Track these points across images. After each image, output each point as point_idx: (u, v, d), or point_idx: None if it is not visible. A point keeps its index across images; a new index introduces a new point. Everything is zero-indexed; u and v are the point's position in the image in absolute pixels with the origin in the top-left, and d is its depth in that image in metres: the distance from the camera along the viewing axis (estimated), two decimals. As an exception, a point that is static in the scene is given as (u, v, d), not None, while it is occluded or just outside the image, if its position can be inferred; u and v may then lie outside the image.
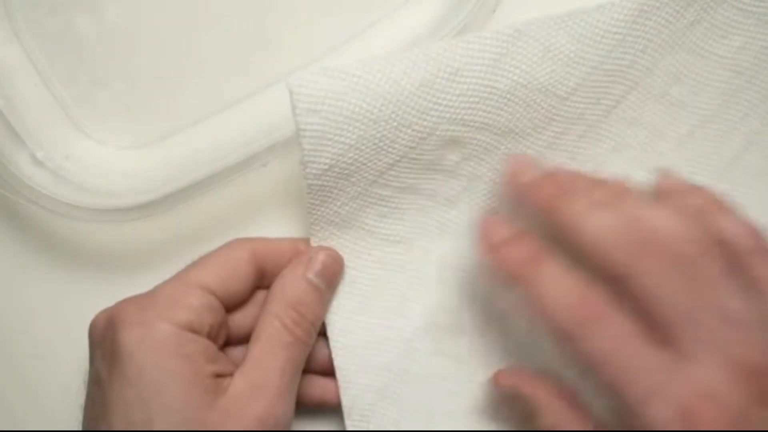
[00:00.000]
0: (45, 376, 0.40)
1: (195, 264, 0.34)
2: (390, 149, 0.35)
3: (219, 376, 0.32)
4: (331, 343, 0.36)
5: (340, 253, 0.36)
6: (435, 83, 0.34)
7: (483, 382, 0.37)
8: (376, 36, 0.38)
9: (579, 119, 0.37)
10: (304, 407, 0.35)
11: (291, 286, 0.34)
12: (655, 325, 0.30)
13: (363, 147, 0.34)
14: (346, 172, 0.34)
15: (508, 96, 0.35)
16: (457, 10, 0.36)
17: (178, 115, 0.38)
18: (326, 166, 0.34)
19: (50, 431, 0.39)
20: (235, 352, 0.35)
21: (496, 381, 0.35)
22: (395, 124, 0.34)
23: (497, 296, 0.37)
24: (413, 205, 0.37)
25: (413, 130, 0.34)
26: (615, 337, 0.30)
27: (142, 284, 0.39)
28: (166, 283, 0.34)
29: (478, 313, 0.37)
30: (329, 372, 0.36)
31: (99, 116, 0.39)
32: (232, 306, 0.34)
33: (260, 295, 0.35)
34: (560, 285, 0.31)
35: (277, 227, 0.39)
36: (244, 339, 0.35)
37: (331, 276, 0.36)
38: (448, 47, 0.34)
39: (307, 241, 0.36)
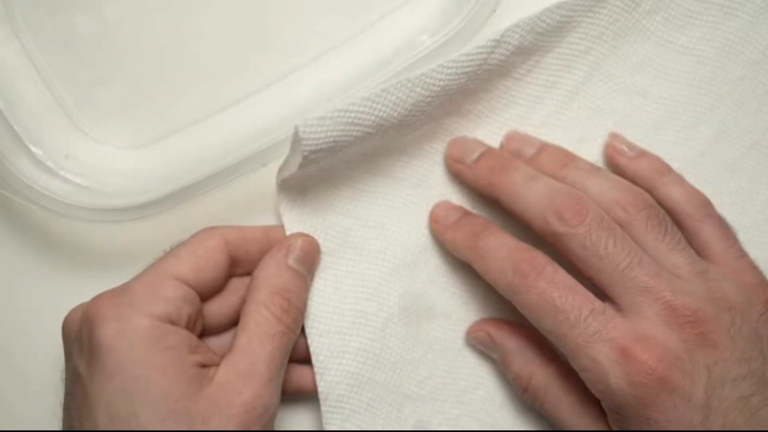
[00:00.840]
0: (45, 376, 0.40)
1: (169, 255, 0.34)
2: (365, 142, 0.35)
3: (202, 365, 0.32)
4: (307, 329, 0.36)
5: (320, 237, 0.37)
6: (410, 99, 0.34)
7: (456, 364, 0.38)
8: (376, 36, 0.38)
9: (538, 103, 0.38)
10: (285, 396, 0.35)
11: (275, 274, 0.34)
12: (593, 282, 0.33)
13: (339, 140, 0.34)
14: (315, 158, 0.34)
15: (473, 79, 0.36)
16: (457, 10, 0.36)
17: (177, 115, 0.38)
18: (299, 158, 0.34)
19: (50, 431, 0.39)
20: (213, 341, 0.35)
21: (469, 333, 0.38)
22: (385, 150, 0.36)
23: (466, 278, 0.38)
24: (384, 188, 0.37)
25: (408, 156, 0.37)
26: (555, 288, 0.32)
27: (142, 284, 0.39)
28: (140, 275, 0.33)
29: (451, 296, 0.38)
30: (307, 360, 0.36)
31: (99, 116, 0.39)
32: (207, 295, 0.34)
33: (234, 283, 0.35)
34: (503, 249, 0.34)
35: (277, 227, 0.39)
36: (220, 328, 0.35)
37: (311, 262, 0.36)
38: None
39: (280, 228, 0.36)
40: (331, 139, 0.33)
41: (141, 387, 0.30)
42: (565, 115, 0.38)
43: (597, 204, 0.33)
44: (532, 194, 0.34)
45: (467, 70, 0.34)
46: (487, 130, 0.38)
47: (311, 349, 0.36)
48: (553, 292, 0.32)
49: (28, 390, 0.40)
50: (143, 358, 0.31)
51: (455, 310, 0.38)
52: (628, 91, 0.38)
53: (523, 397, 0.36)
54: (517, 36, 0.35)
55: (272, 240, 0.36)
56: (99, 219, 0.36)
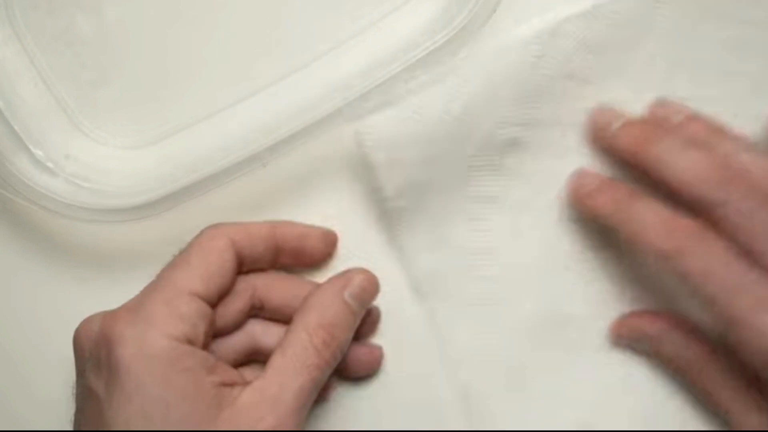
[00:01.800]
0: (45, 376, 0.40)
1: (177, 266, 0.33)
2: (456, 162, 0.36)
3: (223, 385, 0.31)
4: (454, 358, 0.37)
5: (443, 272, 0.37)
6: (481, 96, 0.36)
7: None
8: (376, 36, 0.38)
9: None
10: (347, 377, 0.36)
11: (327, 304, 0.33)
12: (746, 251, 0.31)
13: (430, 164, 0.36)
14: (420, 191, 0.36)
15: (548, 89, 0.36)
16: (457, 10, 0.36)
17: (177, 115, 0.38)
18: (399, 190, 0.36)
19: (50, 431, 0.39)
20: (220, 343, 0.34)
21: (615, 332, 0.36)
22: (458, 137, 0.36)
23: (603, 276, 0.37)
24: (495, 212, 0.37)
25: (472, 141, 0.36)
26: (713, 254, 0.31)
27: (142, 284, 0.39)
28: (154, 289, 0.33)
29: (587, 298, 0.38)
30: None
31: (99, 116, 0.39)
32: (217, 302, 0.34)
33: (241, 283, 0.35)
34: (656, 215, 0.33)
35: (277, 227, 0.39)
36: (227, 330, 0.34)
37: (367, 299, 0.35)
38: (485, 61, 0.36)
39: (287, 223, 0.36)
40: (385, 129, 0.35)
41: (160, 410, 0.30)
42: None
43: (751, 176, 0.32)
44: (683, 162, 0.33)
45: (515, 63, 0.36)
46: (575, 139, 0.38)
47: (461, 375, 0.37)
48: (713, 257, 0.31)
49: (29, 390, 0.40)
50: (162, 380, 0.30)
51: (593, 310, 0.37)
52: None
53: (677, 377, 0.35)
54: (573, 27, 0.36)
55: (279, 236, 0.35)
56: (99, 219, 0.36)
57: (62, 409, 0.39)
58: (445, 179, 0.37)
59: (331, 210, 0.39)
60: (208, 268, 0.33)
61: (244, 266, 0.35)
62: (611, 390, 0.37)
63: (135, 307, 0.32)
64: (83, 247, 0.40)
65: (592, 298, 0.37)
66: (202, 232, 0.34)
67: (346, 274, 0.35)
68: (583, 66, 0.37)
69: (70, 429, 0.36)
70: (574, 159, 0.37)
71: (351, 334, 0.34)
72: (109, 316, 0.32)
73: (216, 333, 0.34)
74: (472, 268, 0.37)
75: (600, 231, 0.37)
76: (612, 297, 0.37)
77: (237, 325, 0.35)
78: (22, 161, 0.36)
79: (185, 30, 0.38)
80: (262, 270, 0.36)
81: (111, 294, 0.39)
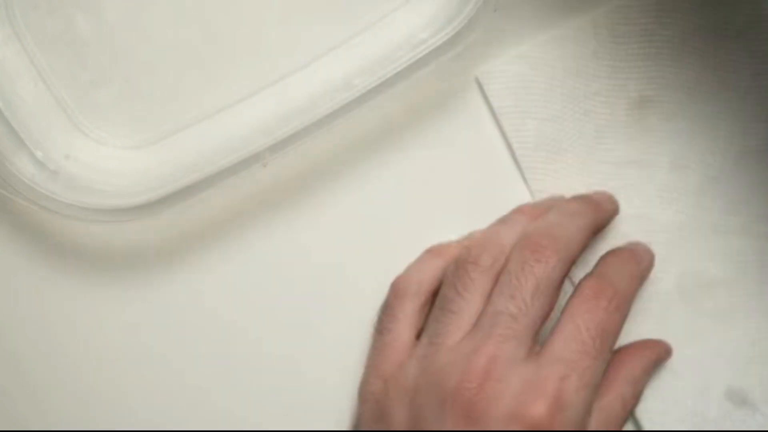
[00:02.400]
0: (45, 376, 0.40)
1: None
2: (586, 118, 0.37)
3: None
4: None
5: None
6: (607, 49, 0.37)
7: None
8: (376, 36, 0.38)
9: (762, 62, 0.37)
10: None
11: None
12: None
13: (561, 118, 0.37)
14: (554, 149, 0.37)
15: (681, 46, 0.36)
16: (458, 9, 0.36)
17: (178, 115, 0.38)
18: (531, 144, 0.37)
19: (50, 431, 0.39)
20: None
21: None
22: (578, 94, 0.37)
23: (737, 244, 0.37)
24: (634, 177, 0.38)
25: (603, 97, 0.37)
26: None
27: (142, 284, 0.40)
28: None
29: (729, 264, 0.38)
30: None
31: (99, 116, 0.39)
32: None
33: None
34: None
35: (277, 228, 0.39)
36: None
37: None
38: (607, 16, 0.37)
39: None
40: (510, 78, 0.37)
41: None
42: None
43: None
44: None
45: (634, 18, 0.37)
46: (722, 102, 0.37)
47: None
48: None
49: (29, 390, 0.40)
50: None
51: (737, 276, 0.37)
52: None
53: None
54: None
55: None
56: (99, 219, 0.36)
57: (63, 407, 0.39)
58: (574, 139, 0.37)
59: (329, 210, 0.39)
60: None
61: None
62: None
63: None
64: (83, 247, 0.40)
65: (734, 263, 0.37)
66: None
67: (659, 347, 0.36)
68: (712, 18, 0.36)
69: (70, 429, 0.37)
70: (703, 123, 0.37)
71: None
72: None
73: None
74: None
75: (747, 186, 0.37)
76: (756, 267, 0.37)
77: None
78: (22, 161, 0.36)
79: (185, 30, 0.38)
80: None
81: (111, 294, 0.40)
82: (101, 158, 0.38)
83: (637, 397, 0.34)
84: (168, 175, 0.36)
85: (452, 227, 0.38)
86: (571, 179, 0.38)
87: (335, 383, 0.38)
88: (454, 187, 0.39)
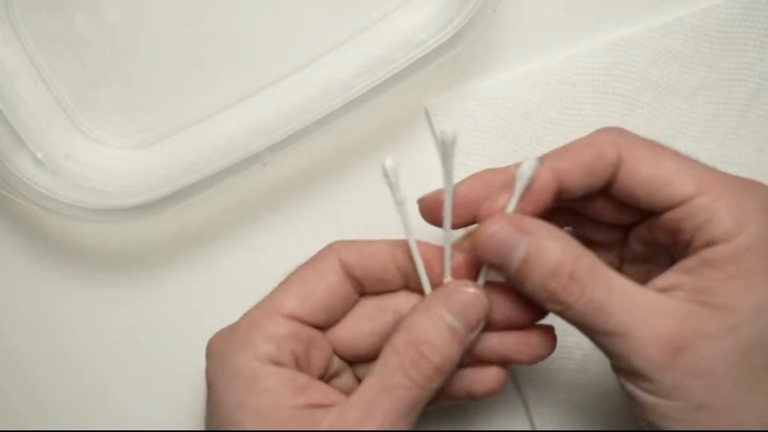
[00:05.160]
0: (45, 376, 0.40)
1: (282, 283, 0.32)
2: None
3: (312, 406, 0.30)
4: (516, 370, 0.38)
5: None
6: (557, 96, 0.38)
7: None
8: (376, 35, 0.38)
9: (714, 120, 0.38)
10: (450, 402, 0.33)
11: (420, 321, 0.30)
12: None
13: (504, 160, 0.38)
14: None
15: (632, 101, 0.38)
16: (458, 9, 0.36)
17: (178, 115, 0.38)
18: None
19: (50, 431, 0.39)
20: (361, 369, 0.34)
21: None
22: (527, 136, 0.38)
23: None
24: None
25: (546, 142, 0.38)
26: None
27: (142, 284, 0.40)
28: (254, 308, 0.32)
29: None
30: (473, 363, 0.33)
31: (99, 116, 0.39)
32: (329, 322, 0.33)
33: (366, 305, 0.33)
34: None
35: (277, 228, 0.39)
36: (367, 355, 0.33)
37: (472, 318, 0.31)
38: (563, 63, 0.38)
39: (404, 243, 0.32)
40: (459, 116, 0.38)
41: (235, 427, 0.30)
42: (743, 129, 0.38)
43: None
44: None
45: (590, 68, 0.38)
46: None
47: (521, 388, 0.38)
48: None
49: (29, 389, 0.40)
50: (237, 400, 0.30)
51: None
52: None
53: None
54: (650, 39, 0.37)
55: (396, 256, 0.32)
56: (99, 219, 0.36)
57: (63, 407, 0.39)
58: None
59: (329, 210, 0.39)
60: (310, 287, 0.32)
61: (365, 287, 0.33)
62: None
63: (231, 326, 0.32)
64: (83, 247, 0.40)
65: None
66: (319, 252, 0.33)
67: (446, 289, 0.31)
68: (665, 78, 0.38)
69: (70, 429, 0.37)
70: None
71: (453, 354, 0.30)
72: (218, 331, 0.33)
73: (360, 357, 0.33)
74: None
75: None
76: None
77: (372, 350, 0.33)
78: (22, 161, 0.36)
79: (185, 30, 0.38)
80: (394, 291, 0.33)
81: (111, 294, 0.40)
82: (101, 158, 0.38)
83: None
84: (168, 175, 0.36)
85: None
86: None
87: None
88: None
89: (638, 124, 0.38)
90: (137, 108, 0.39)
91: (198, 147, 0.38)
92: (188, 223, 0.39)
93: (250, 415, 0.30)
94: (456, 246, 0.32)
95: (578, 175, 0.30)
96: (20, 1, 0.38)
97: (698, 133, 0.38)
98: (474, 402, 0.38)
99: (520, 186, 0.30)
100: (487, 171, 0.32)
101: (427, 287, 0.32)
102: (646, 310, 0.28)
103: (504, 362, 0.32)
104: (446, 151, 0.29)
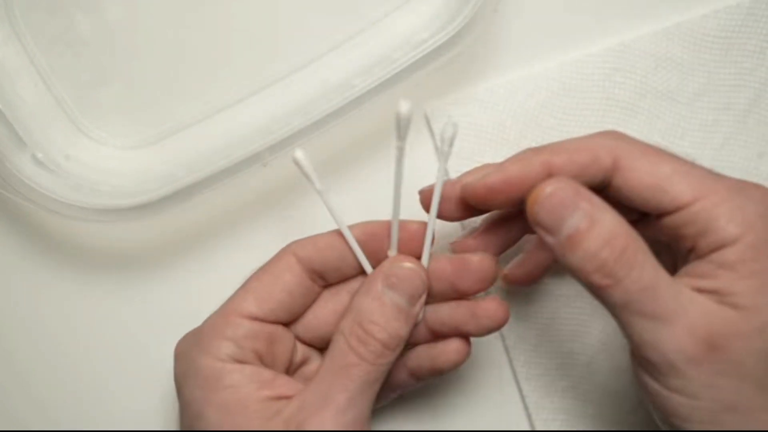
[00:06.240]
0: (45, 376, 0.40)
1: (241, 287, 0.34)
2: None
3: (278, 398, 0.31)
4: (517, 373, 0.38)
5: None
6: (557, 102, 0.38)
7: None
8: (376, 35, 0.38)
9: (714, 125, 0.38)
10: (422, 380, 0.35)
11: (363, 301, 0.32)
12: None
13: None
14: None
15: (632, 107, 0.38)
16: (458, 9, 0.36)
17: (178, 115, 0.38)
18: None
19: (50, 431, 0.39)
20: None
21: None
22: (527, 142, 0.38)
23: None
24: None
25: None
26: None
27: (142, 284, 0.40)
28: (215, 311, 0.34)
29: None
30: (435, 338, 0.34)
31: (99, 116, 0.39)
32: (292, 317, 0.34)
33: (326, 295, 0.34)
34: None
35: (277, 228, 0.39)
36: (324, 339, 0.34)
37: (412, 290, 0.32)
38: (562, 68, 0.38)
39: (356, 226, 0.33)
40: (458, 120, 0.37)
41: (201, 425, 0.31)
42: (743, 134, 0.38)
43: None
44: None
45: (589, 74, 0.38)
46: None
47: (523, 392, 0.38)
48: None
49: (29, 390, 0.40)
50: (203, 398, 0.31)
51: None
52: None
53: None
54: (649, 45, 0.38)
55: (348, 242, 0.33)
56: (99, 219, 0.36)
57: (62, 406, 0.39)
58: None
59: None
60: (266, 287, 0.33)
61: (326, 279, 0.34)
62: None
63: (197, 328, 0.34)
64: (83, 247, 0.40)
65: None
66: (278, 252, 0.34)
67: (383, 267, 0.33)
68: (664, 84, 0.38)
69: (70, 429, 0.37)
70: None
71: (398, 328, 0.32)
72: (183, 335, 0.34)
73: (320, 345, 0.35)
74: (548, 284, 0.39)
75: None
76: None
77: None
78: (22, 161, 0.36)
79: (185, 30, 0.38)
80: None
81: (111, 294, 0.40)
82: (101, 158, 0.38)
83: None
84: (168, 175, 0.36)
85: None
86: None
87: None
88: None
89: (638, 130, 0.38)
90: (137, 108, 0.39)
91: (198, 147, 0.38)
92: (188, 223, 0.39)
93: (216, 410, 0.31)
94: (405, 222, 0.33)
95: (569, 175, 0.30)
96: (20, 1, 0.38)
97: (698, 139, 0.38)
98: (474, 402, 0.38)
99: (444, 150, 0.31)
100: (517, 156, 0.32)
101: (367, 267, 0.33)
102: (687, 302, 0.28)
103: (459, 334, 0.33)
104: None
